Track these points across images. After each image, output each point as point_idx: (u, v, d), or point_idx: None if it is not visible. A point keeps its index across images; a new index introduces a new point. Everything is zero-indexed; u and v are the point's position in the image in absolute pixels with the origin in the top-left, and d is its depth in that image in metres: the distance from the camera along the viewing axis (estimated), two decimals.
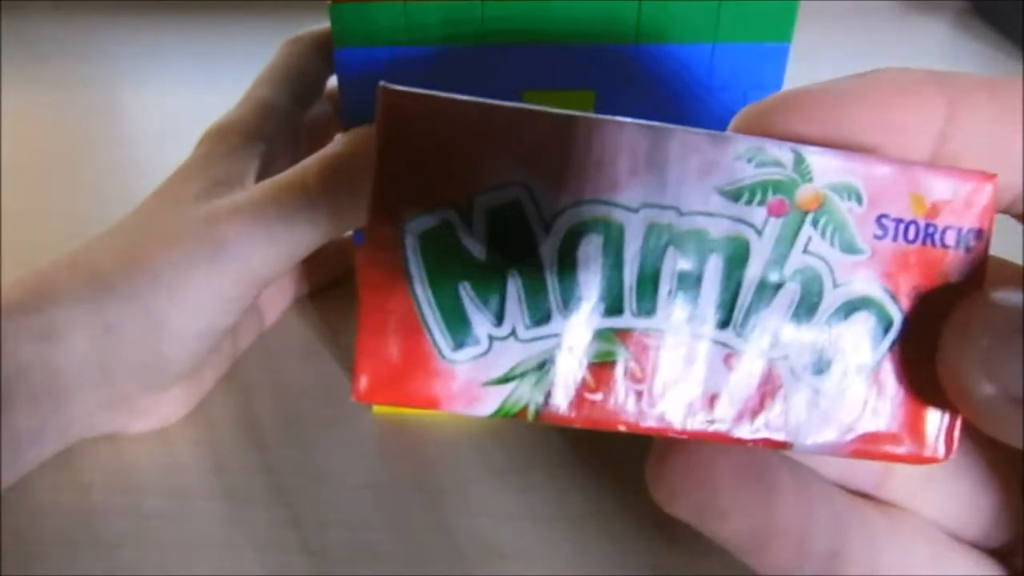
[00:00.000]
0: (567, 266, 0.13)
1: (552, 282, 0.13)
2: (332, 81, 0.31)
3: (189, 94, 0.52)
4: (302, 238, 0.24)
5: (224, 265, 0.24)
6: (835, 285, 0.13)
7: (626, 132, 0.13)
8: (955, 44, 0.63)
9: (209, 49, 0.59)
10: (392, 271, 0.12)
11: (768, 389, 0.13)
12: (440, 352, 0.13)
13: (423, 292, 0.13)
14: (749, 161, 0.13)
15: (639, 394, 0.13)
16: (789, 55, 0.23)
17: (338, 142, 0.24)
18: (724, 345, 0.13)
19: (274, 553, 0.24)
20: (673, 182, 0.13)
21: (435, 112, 0.12)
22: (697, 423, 0.13)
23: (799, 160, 0.13)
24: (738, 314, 0.13)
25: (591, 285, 0.13)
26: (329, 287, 0.35)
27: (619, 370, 0.13)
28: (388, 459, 0.27)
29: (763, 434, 0.13)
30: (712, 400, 0.13)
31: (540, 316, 0.13)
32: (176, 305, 0.24)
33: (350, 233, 0.26)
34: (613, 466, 0.27)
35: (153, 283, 0.24)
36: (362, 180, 0.24)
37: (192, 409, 0.29)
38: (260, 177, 0.27)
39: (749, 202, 0.13)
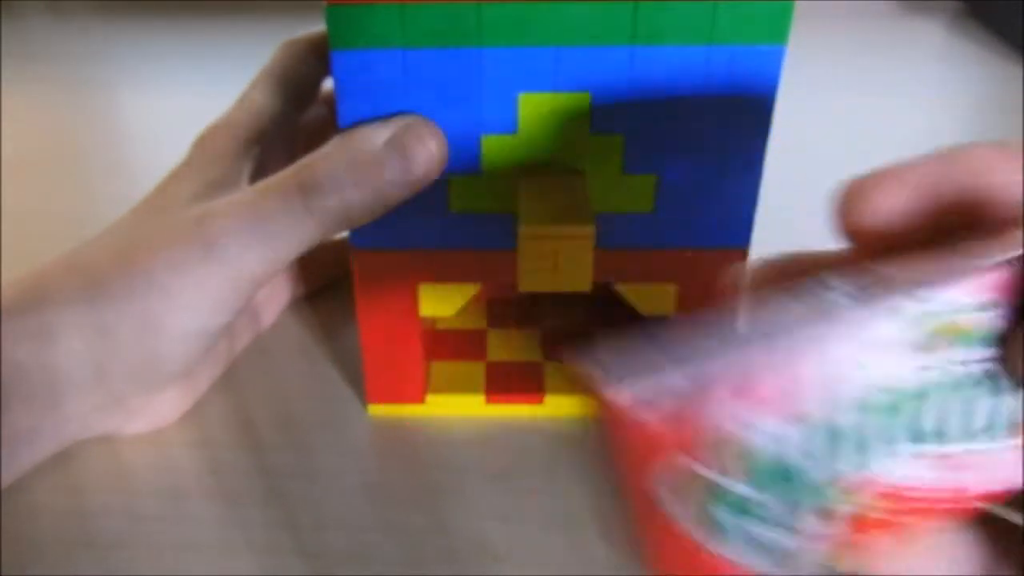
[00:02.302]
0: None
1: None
2: (328, 83, 0.32)
3: (186, 96, 0.52)
4: (294, 239, 0.24)
5: (217, 266, 0.24)
6: None
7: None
8: (951, 46, 0.63)
9: (206, 51, 0.59)
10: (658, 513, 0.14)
11: None
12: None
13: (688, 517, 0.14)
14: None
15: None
16: (784, 57, 0.23)
17: (332, 144, 0.24)
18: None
19: (269, 554, 0.24)
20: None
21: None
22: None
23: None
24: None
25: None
26: (325, 289, 0.35)
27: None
28: (384, 460, 0.27)
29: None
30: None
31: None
32: (170, 305, 0.24)
33: (346, 235, 0.26)
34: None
35: (147, 284, 0.24)
36: (353, 182, 0.24)
37: (187, 411, 0.29)
38: (255, 179, 0.27)
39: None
